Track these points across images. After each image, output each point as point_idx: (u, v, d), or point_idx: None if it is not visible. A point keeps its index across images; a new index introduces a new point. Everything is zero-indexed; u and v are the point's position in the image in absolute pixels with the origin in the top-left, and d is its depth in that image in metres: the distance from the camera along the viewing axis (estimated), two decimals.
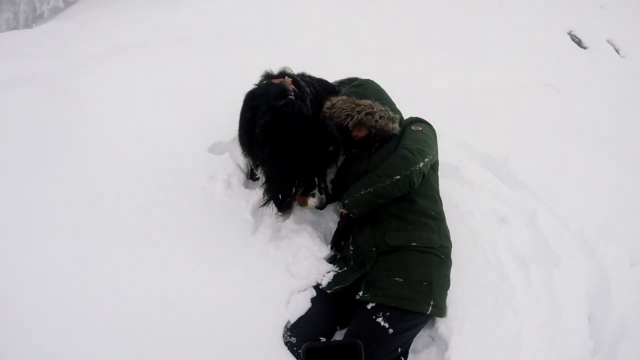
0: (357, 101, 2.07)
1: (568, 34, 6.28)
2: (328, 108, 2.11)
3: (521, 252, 2.12)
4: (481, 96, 3.73)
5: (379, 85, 2.23)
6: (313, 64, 2.63)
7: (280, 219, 1.96)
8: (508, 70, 4.48)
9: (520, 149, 2.95)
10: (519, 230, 2.25)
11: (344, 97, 2.12)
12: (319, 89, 2.40)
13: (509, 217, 2.27)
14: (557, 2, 6.91)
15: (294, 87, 2.06)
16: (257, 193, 2.18)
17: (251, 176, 2.41)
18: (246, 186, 2.29)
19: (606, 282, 2.10)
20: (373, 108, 2.05)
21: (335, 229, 2.10)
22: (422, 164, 1.84)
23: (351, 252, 1.95)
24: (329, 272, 1.94)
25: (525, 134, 3.27)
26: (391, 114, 2.09)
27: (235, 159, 2.38)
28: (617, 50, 6.08)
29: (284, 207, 1.86)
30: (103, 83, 2.80)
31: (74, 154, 2.16)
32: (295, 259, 1.96)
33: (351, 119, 2.04)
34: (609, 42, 6.19)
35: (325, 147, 2.06)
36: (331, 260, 2.05)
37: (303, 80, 2.26)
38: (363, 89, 2.16)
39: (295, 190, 1.85)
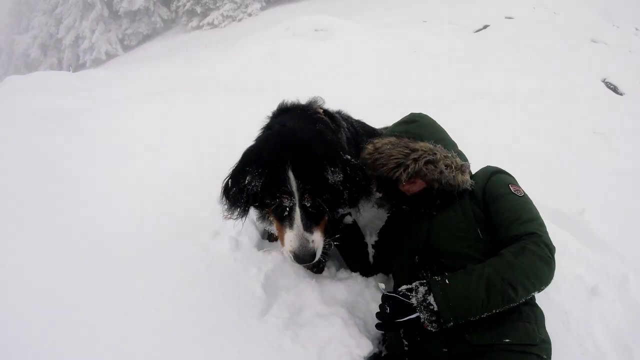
0: (412, 144, 1.46)
1: (602, 81, 5.86)
2: (369, 153, 1.50)
3: (620, 332, 1.66)
4: (532, 147, 3.20)
5: (435, 122, 1.66)
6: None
7: (227, 216, 1.39)
8: (553, 119, 4.02)
9: (592, 200, 2.36)
10: (613, 302, 1.78)
11: (393, 139, 1.51)
12: (360, 130, 1.90)
13: (600, 287, 1.80)
14: (585, 49, 6.58)
15: (322, 116, 1.54)
16: (272, 258, 1.59)
17: (269, 236, 1.84)
18: (259, 248, 1.70)
19: None
20: (436, 154, 1.44)
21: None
22: None
23: (405, 349, 1.30)
24: None
25: (591, 185, 2.70)
26: (459, 161, 1.48)
27: (249, 214, 1.83)
28: None
29: (233, 203, 1.35)
30: (113, 122, 2.56)
31: (69, 192, 1.83)
32: (322, 358, 1.31)
33: (405, 170, 1.42)
34: None
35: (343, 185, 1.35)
36: None
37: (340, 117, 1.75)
38: (417, 127, 1.55)
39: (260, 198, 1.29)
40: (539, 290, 1.22)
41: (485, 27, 7.75)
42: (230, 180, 1.35)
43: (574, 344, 1.56)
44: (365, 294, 1.56)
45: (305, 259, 1.19)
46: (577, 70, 5.75)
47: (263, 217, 1.50)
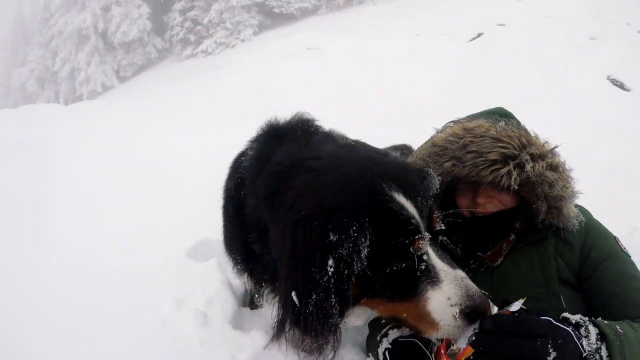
0: (525, 136, 0.95)
1: (607, 78, 5.55)
2: (454, 135, 0.97)
3: None
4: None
5: None
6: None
7: None
8: (569, 123, 3.65)
9: None
10: None
11: (490, 124, 0.96)
12: None
13: None
14: (585, 47, 6.29)
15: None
16: (252, 342, 1.11)
17: (250, 303, 1.37)
18: (235, 325, 1.23)
19: None
20: (560, 160, 0.95)
21: None
22: None
23: None
24: None
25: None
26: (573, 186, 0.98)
27: (225, 271, 1.38)
28: None
29: (321, 325, 0.71)
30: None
31: None
32: None
33: (517, 167, 0.89)
34: None
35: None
36: None
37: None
38: (518, 125, 1.01)
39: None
40: None
41: (479, 35, 7.46)
42: (299, 283, 0.71)
43: None
44: None
45: (484, 304, 0.72)
46: (581, 70, 5.44)
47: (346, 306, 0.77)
